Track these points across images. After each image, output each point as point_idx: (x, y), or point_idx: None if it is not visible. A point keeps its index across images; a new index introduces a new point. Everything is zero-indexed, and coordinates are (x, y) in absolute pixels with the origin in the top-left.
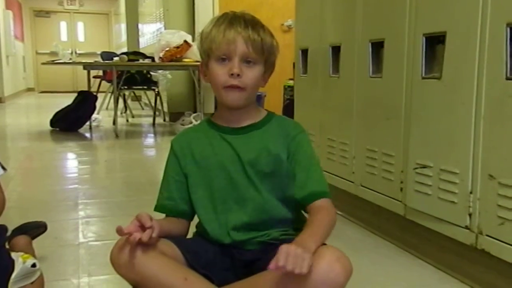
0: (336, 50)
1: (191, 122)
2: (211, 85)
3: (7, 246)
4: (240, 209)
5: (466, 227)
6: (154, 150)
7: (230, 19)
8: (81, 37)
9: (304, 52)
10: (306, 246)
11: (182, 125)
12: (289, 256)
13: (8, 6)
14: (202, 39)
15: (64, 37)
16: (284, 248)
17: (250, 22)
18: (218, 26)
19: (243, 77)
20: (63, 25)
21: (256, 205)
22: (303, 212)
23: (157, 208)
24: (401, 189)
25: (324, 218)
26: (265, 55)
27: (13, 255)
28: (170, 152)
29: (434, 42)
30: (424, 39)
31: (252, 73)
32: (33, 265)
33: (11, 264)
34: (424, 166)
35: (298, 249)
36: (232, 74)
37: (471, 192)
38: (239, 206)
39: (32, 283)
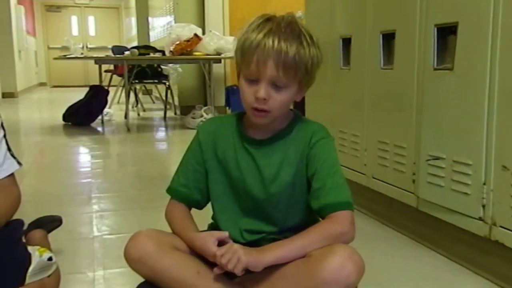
0: (346, 42)
1: (201, 116)
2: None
3: (23, 240)
4: (256, 219)
5: (480, 219)
6: (165, 143)
7: (265, 32)
8: (92, 31)
9: None
10: (261, 253)
11: (193, 118)
12: (227, 253)
13: (20, 1)
14: (237, 47)
15: (75, 31)
16: (232, 246)
17: (286, 37)
18: (251, 41)
19: (270, 101)
20: (74, 20)
21: (273, 219)
22: None
23: (171, 192)
24: (414, 181)
25: (316, 230)
26: (298, 77)
27: (30, 248)
28: (195, 138)
29: (446, 33)
30: (435, 29)
31: (280, 97)
32: (50, 259)
33: (28, 257)
34: (437, 158)
35: (241, 251)
36: (257, 98)
37: (484, 183)
38: (256, 216)
39: (49, 276)
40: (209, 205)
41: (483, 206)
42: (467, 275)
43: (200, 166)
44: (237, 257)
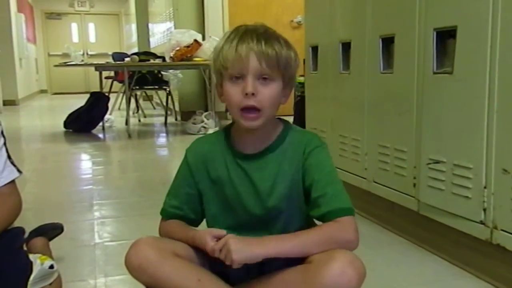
0: (346, 46)
1: (202, 121)
2: (227, 106)
3: (25, 248)
4: (254, 232)
5: (481, 222)
6: (166, 149)
7: (241, 34)
8: (92, 38)
9: (314, 49)
10: (254, 243)
11: (194, 124)
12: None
13: (20, 9)
14: (214, 57)
15: (75, 38)
16: (227, 238)
17: (263, 36)
18: (230, 43)
19: (258, 96)
20: (74, 27)
21: (271, 230)
22: None
23: (164, 213)
24: (414, 185)
25: (320, 231)
26: (281, 70)
27: (31, 256)
28: (184, 161)
29: (445, 37)
30: (434, 33)
31: (268, 91)
32: (51, 267)
33: (29, 265)
34: (437, 161)
35: (233, 245)
36: (246, 94)
37: (485, 187)
38: (254, 230)
39: (50, 284)
40: None
41: (484, 210)
42: (469, 278)
43: (191, 188)
44: (227, 250)
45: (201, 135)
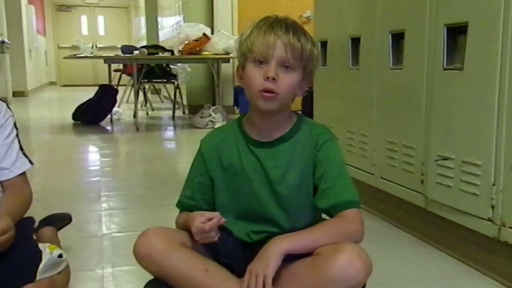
0: (355, 41)
1: (210, 115)
2: (245, 89)
3: (34, 237)
4: (263, 222)
5: (489, 219)
6: (174, 142)
7: (271, 23)
8: (101, 31)
9: (324, 44)
10: (274, 248)
11: (201, 117)
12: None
13: (30, 1)
14: (241, 41)
15: (85, 31)
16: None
17: (291, 27)
18: (259, 29)
19: (278, 81)
20: (83, 19)
21: (280, 221)
22: None
23: (179, 205)
24: (422, 181)
25: (331, 225)
26: (303, 62)
27: (40, 245)
28: (198, 152)
29: (456, 33)
30: (445, 29)
31: (288, 79)
32: (60, 256)
33: (39, 254)
34: (446, 158)
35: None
36: (267, 78)
37: (493, 184)
38: (262, 219)
39: (59, 273)
40: None
41: (492, 207)
42: (476, 276)
43: (204, 177)
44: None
45: (209, 129)
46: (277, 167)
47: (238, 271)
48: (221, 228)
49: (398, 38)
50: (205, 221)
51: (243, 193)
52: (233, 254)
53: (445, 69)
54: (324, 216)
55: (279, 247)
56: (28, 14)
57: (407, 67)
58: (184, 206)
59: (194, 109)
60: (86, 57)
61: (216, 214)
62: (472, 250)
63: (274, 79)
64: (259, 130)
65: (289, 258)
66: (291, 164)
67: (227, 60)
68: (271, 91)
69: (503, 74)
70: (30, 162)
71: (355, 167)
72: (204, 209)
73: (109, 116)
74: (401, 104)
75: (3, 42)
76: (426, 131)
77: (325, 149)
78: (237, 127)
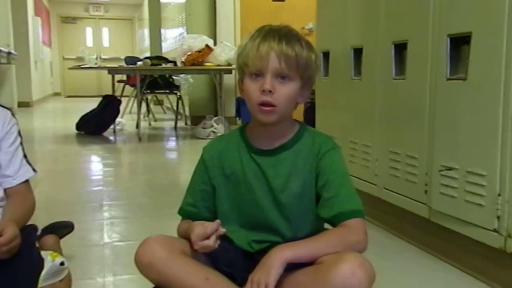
0: (358, 52)
1: (212, 126)
2: (246, 101)
3: (37, 245)
4: (264, 231)
5: (495, 230)
6: (176, 153)
7: (264, 34)
8: (106, 43)
9: (326, 55)
10: (276, 257)
11: (204, 128)
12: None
13: (37, 13)
14: (238, 54)
15: (89, 42)
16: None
17: (285, 36)
18: (253, 41)
19: (275, 93)
20: (88, 31)
21: (282, 230)
22: None
23: (180, 212)
24: (426, 192)
25: (334, 234)
26: (300, 70)
27: (43, 253)
28: (200, 159)
29: (459, 43)
30: (448, 39)
31: (285, 90)
32: (62, 263)
33: (41, 262)
34: (450, 168)
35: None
36: (264, 91)
37: (499, 195)
38: (264, 228)
39: (60, 280)
40: None
41: (498, 218)
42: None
43: (206, 185)
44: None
45: (210, 140)
46: (279, 176)
47: (239, 280)
48: (222, 237)
49: (400, 49)
50: (207, 232)
51: (244, 201)
52: (234, 263)
53: (448, 79)
54: (326, 226)
55: (281, 255)
56: (34, 25)
57: (410, 78)
58: (186, 213)
59: (196, 120)
60: (90, 67)
61: (216, 223)
62: (477, 262)
63: (270, 91)
64: (261, 139)
65: (291, 267)
66: (293, 173)
67: (229, 71)
68: (269, 104)
69: (507, 83)
70: (34, 170)
71: (358, 178)
72: (205, 216)
73: (112, 127)
74: (404, 114)
75: (9, 53)
76: (429, 141)
77: (327, 157)
78: (240, 135)
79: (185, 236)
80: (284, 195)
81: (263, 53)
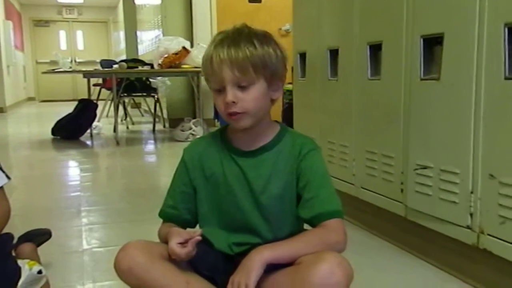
0: (334, 53)
1: (190, 128)
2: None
3: (13, 254)
4: (245, 232)
5: (468, 227)
6: (154, 156)
7: (215, 44)
8: (80, 46)
9: (302, 56)
10: (255, 258)
11: (182, 131)
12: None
13: (8, 16)
14: (202, 65)
15: (63, 46)
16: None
17: (233, 42)
18: (207, 54)
19: (239, 102)
20: (62, 34)
21: (262, 231)
22: None
23: (161, 214)
24: (402, 190)
25: (313, 235)
26: (259, 71)
27: (20, 262)
28: (181, 161)
29: (432, 44)
30: (421, 40)
31: (249, 96)
32: (39, 272)
33: (18, 271)
34: (424, 167)
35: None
36: (227, 103)
37: (472, 192)
38: (245, 230)
39: None
40: None
41: (471, 215)
42: (456, 283)
43: (187, 186)
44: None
45: (190, 142)
46: (260, 177)
47: (220, 283)
48: (202, 241)
49: (375, 49)
50: (182, 241)
51: (225, 203)
52: (215, 266)
53: (422, 80)
54: (306, 226)
55: (260, 257)
56: (6, 29)
57: (385, 78)
58: (167, 216)
59: (175, 122)
60: (65, 71)
61: (196, 233)
62: (452, 258)
63: (234, 102)
64: (241, 140)
65: (271, 268)
66: (274, 174)
67: None
68: (236, 113)
69: (478, 83)
70: (8, 176)
71: (336, 178)
72: (186, 218)
73: (89, 131)
74: (379, 114)
75: None
76: (404, 141)
77: (308, 159)
78: (220, 136)
79: (165, 240)
80: (265, 197)
81: (215, 68)
